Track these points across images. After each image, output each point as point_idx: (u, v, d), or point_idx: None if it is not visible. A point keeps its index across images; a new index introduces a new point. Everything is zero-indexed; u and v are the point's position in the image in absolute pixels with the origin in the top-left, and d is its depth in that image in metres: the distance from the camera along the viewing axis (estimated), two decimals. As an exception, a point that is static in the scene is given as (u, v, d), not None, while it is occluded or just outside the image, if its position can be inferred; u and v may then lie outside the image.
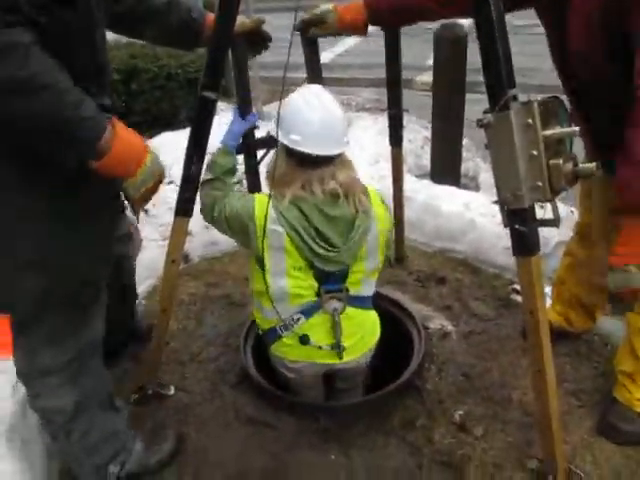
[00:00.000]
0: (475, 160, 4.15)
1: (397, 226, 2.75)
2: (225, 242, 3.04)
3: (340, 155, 1.62)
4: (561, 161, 1.32)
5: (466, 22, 3.28)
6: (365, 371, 1.95)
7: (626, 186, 1.43)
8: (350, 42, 9.18)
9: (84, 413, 1.57)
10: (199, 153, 1.66)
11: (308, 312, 1.70)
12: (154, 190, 1.38)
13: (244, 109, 1.80)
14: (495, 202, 3.10)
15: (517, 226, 1.39)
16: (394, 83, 2.30)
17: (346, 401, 1.94)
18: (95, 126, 1.19)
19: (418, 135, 4.45)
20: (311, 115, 1.56)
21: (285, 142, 1.58)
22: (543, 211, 1.43)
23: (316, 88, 1.67)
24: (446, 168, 3.64)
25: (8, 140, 1.19)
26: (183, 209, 1.73)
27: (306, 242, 1.60)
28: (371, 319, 1.83)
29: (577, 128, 1.33)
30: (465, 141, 3.83)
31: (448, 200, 3.15)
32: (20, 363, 1.52)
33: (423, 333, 2.15)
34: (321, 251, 1.61)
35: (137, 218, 1.59)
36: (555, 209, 1.41)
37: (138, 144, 1.31)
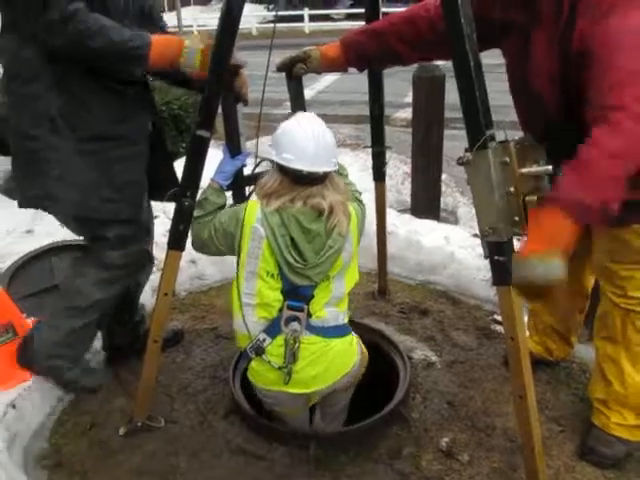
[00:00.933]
0: (454, 195, 4.30)
1: (380, 260, 2.84)
2: (211, 276, 3.10)
3: (330, 176, 1.70)
4: (536, 198, 1.42)
5: (442, 63, 3.46)
6: (347, 395, 1.98)
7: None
8: (330, 79, 9.45)
9: None
10: (193, 188, 1.73)
11: (272, 332, 1.74)
12: (206, 57, 1.68)
13: (233, 149, 1.87)
14: (474, 235, 3.25)
15: (496, 257, 1.47)
16: (377, 121, 2.40)
17: (334, 429, 1.98)
18: (140, 40, 1.70)
19: (398, 171, 4.59)
20: (304, 135, 1.66)
21: (279, 161, 1.66)
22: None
23: (309, 115, 1.77)
24: (426, 203, 3.76)
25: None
26: (176, 243, 1.79)
27: (280, 248, 1.65)
28: (336, 349, 1.80)
29: (551, 167, 1.43)
30: (444, 176, 3.97)
31: (429, 234, 3.26)
32: None
33: (408, 363, 2.21)
34: (291, 260, 1.66)
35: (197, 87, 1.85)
36: (530, 241, 1.50)
37: (171, 38, 1.77)
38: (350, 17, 23.13)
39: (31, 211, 4.12)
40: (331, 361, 1.79)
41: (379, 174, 2.54)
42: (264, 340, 1.75)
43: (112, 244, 2.00)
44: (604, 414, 1.93)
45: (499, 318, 2.66)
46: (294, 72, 2.07)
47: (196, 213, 1.78)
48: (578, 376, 2.24)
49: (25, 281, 2.80)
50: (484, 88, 1.38)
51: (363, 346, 1.94)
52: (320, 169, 1.65)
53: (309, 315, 1.74)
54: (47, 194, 1.87)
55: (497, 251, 1.46)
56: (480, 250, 3.03)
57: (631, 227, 1.68)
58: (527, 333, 2.26)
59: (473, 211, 4.09)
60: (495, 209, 1.42)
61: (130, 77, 1.78)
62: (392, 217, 3.34)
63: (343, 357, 1.83)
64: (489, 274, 2.88)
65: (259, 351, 1.75)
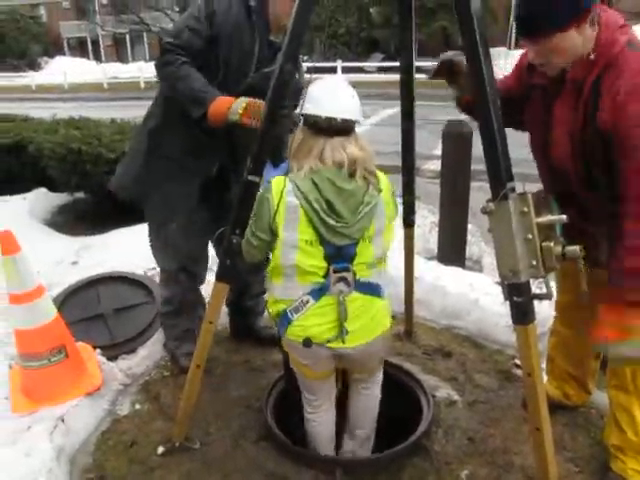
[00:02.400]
0: (479, 244, 4.43)
1: (407, 303, 2.98)
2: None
3: (356, 134, 1.83)
4: (552, 244, 1.57)
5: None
6: (379, 359, 2.06)
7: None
8: (361, 130, 9.77)
9: None
10: (242, 227, 1.92)
11: (316, 294, 1.79)
12: (250, 107, 2.09)
13: (276, 159, 2.18)
14: (498, 283, 3.39)
15: (515, 298, 1.62)
16: (408, 171, 2.58)
17: (360, 457, 2.09)
18: (206, 96, 2.17)
19: (426, 220, 4.76)
20: (324, 87, 1.82)
21: (303, 111, 1.80)
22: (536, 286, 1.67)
23: (335, 77, 1.97)
24: (452, 251, 3.91)
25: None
26: (224, 276, 1.97)
27: (317, 212, 1.73)
28: (377, 306, 1.86)
29: (564, 216, 1.59)
30: (470, 226, 4.13)
31: (454, 280, 3.40)
32: None
33: (431, 399, 2.32)
34: (330, 221, 1.73)
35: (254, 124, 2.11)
36: (548, 285, 1.65)
37: (223, 99, 2.15)
38: (381, 70, 23.96)
39: (76, 245, 4.46)
40: (372, 317, 1.85)
41: (408, 221, 2.72)
42: (307, 302, 1.80)
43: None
44: (621, 460, 2.00)
45: (520, 362, 2.76)
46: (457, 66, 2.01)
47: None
48: (596, 421, 2.31)
49: (73, 308, 3.02)
50: (506, 147, 1.56)
51: None
52: (338, 115, 1.75)
53: (354, 274, 1.79)
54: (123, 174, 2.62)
55: (516, 292, 1.60)
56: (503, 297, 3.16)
57: None
58: (545, 378, 2.37)
59: (497, 260, 4.18)
60: (515, 254, 1.57)
61: (195, 119, 2.22)
62: (419, 263, 3.48)
63: (381, 316, 1.89)
64: (510, 320, 3.00)
65: (299, 310, 1.81)
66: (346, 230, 1.77)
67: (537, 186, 1.79)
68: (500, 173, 1.56)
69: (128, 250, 3.93)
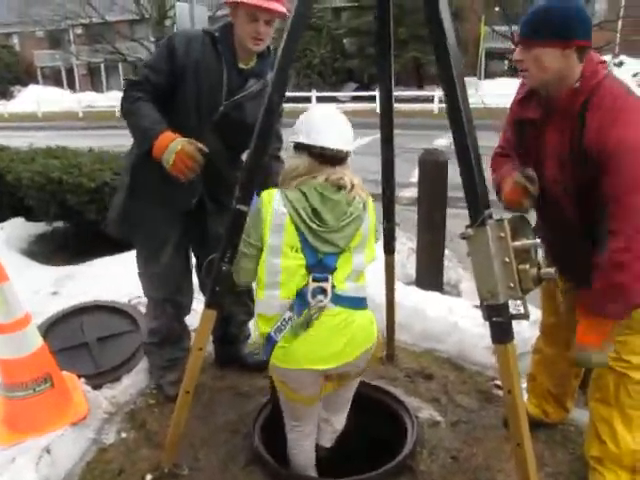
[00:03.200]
0: (456, 269, 4.54)
1: (389, 328, 3.05)
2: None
3: (347, 162, 1.95)
4: (528, 266, 1.67)
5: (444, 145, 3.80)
6: (355, 385, 2.13)
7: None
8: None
9: None
10: (231, 254, 1.97)
11: (298, 309, 1.82)
12: (180, 161, 2.14)
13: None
14: (476, 306, 3.52)
15: (494, 319, 1.71)
16: (388, 199, 2.68)
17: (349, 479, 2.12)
18: (150, 133, 2.20)
19: (404, 246, 4.85)
20: (328, 118, 1.91)
21: (308, 141, 1.87)
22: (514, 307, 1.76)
23: (329, 106, 2.04)
24: (430, 276, 4.01)
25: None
26: (214, 302, 2.02)
27: (302, 218, 1.81)
28: (358, 322, 1.87)
29: (538, 240, 1.70)
30: (447, 252, 4.24)
31: (433, 305, 3.49)
32: None
33: (415, 420, 2.38)
34: (314, 226, 1.82)
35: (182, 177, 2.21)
36: (525, 305, 1.74)
37: (164, 138, 2.17)
38: (355, 99, 24.43)
39: (56, 274, 4.43)
40: (354, 333, 1.85)
41: (389, 248, 2.81)
42: (289, 319, 1.83)
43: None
44: (599, 472, 2.07)
45: (500, 383, 2.84)
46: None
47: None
48: (575, 437, 2.40)
49: (57, 337, 3.01)
50: (482, 175, 1.66)
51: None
52: (344, 147, 1.89)
53: (332, 287, 1.83)
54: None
55: (495, 313, 1.69)
56: (482, 320, 3.27)
57: None
58: (525, 396, 2.46)
59: (475, 284, 4.34)
60: (493, 276, 1.66)
61: (141, 150, 2.34)
62: (399, 288, 3.56)
63: (365, 331, 1.90)
64: (490, 342, 3.09)
65: (282, 329, 1.83)
66: (330, 236, 1.84)
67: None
68: (478, 201, 1.66)
69: (109, 280, 3.94)
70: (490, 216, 1.67)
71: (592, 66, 1.80)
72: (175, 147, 2.13)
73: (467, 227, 1.72)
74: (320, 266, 1.85)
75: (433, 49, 1.64)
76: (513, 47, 1.97)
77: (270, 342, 1.88)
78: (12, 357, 2.36)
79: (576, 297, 2.05)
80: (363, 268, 1.96)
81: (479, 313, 3.50)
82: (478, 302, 3.73)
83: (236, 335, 3.00)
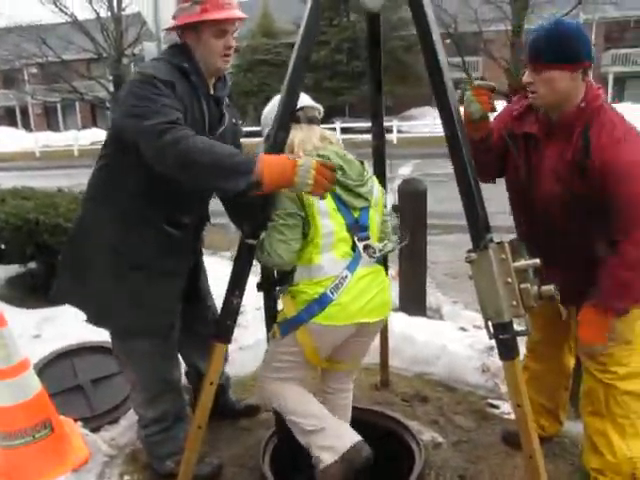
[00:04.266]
0: (436, 295, 4.67)
1: (382, 354, 3.11)
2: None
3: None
4: (529, 285, 1.78)
5: (407, 174, 3.94)
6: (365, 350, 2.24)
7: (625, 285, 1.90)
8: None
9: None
10: (240, 288, 2.02)
11: (352, 267, 1.93)
12: (320, 175, 1.75)
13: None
14: (461, 329, 3.63)
15: (501, 336, 1.80)
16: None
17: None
18: (247, 162, 1.76)
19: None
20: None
21: (300, 105, 2.02)
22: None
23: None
24: (414, 302, 4.11)
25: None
26: (223, 335, 2.05)
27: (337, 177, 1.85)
28: (385, 280, 2.09)
29: (537, 260, 1.81)
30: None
31: (421, 329, 3.59)
32: None
33: (421, 444, 2.43)
34: (348, 181, 1.94)
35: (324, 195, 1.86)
36: (527, 322, 1.85)
37: (279, 161, 1.78)
38: (344, 131, 24.75)
39: (37, 316, 4.36)
40: (384, 291, 2.03)
41: (381, 273, 2.89)
42: (346, 277, 1.91)
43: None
44: None
45: (493, 402, 2.94)
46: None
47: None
48: (571, 449, 2.50)
49: (49, 381, 2.93)
50: (483, 203, 1.78)
51: None
52: (317, 104, 2.12)
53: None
54: (82, 300, 2.23)
55: (501, 331, 1.79)
56: (469, 341, 3.39)
57: None
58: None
59: (457, 308, 4.46)
60: (498, 296, 1.77)
61: (234, 192, 1.78)
62: (387, 314, 3.66)
63: (388, 292, 2.08)
64: (479, 363, 3.21)
65: (339, 287, 1.90)
66: (359, 190, 1.98)
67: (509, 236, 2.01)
68: (480, 226, 1.77)
69: (92, 319, 3.89)
70: (492, 240, 1.79)
71: (594, 89, 1.97)
72: (310, 164, 1.76)
73: (469, 251, 1.83)
74: (357, 225, 1.97)
75: (431, 86, 1.78)
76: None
77: (323, 302, 1.91)
78: (12, 404, 2.32)
79: (558, 310, 2.19)
80: (380, 225, 2.10)
81: (465, 335, 3.65)
82: (462, 325, 3.87)
83: (220, 384, 2.67)
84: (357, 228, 1.97)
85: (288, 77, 1.90)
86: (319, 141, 2.03)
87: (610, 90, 28.96)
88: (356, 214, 1.99)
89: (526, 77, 2.01)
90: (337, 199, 1.94)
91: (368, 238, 1.99)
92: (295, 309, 1.97)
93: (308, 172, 1.75)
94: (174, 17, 2.13)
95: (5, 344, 2.28)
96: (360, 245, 1.96)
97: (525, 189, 2.13)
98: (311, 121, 2.08)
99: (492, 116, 2.16)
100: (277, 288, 2.13)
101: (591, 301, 1.98)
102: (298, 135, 2.01)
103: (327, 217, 1.93)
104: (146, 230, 2.10)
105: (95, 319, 2.25)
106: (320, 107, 2.14)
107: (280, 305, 2.13)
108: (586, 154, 1.91)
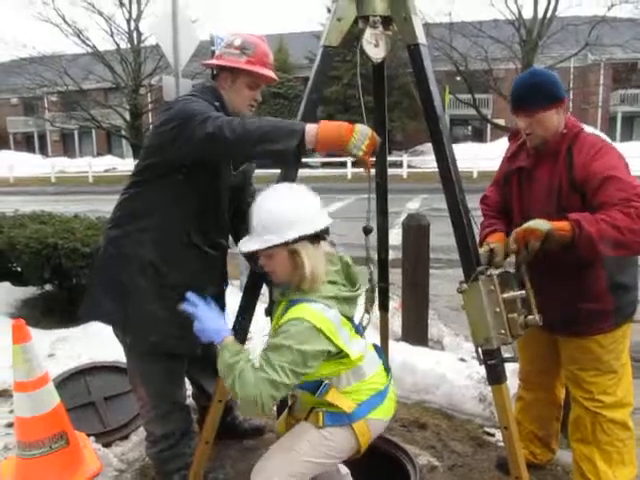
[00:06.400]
0: (438, 326, 4.78)
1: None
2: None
3: None
4: (516, 315, 1.93)
5: (415, 208, 4.10)
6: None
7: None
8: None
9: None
10: (250, 313, 2.16)
11: (372, 364, 1.96)
12: (371, 146, 1.88)
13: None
14: (461, 360, 3.77)
15: (489, 362, 1.94)
16: (383, 261, 2.92)
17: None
18: (292, 122, 1.93)
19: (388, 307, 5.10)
20: (304, 198, 1.83)
21: (313, 229, 1.77)
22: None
23: (290, 185, 1.92)
24: (416, 332, 4.23)
25: None
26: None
27: (340, 293, 1.81)
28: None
29: (524, 291, 1.97)
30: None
31: (421, 359, 3.70)
32: None
33: (417, 466, 2.54)
34: (349, 294, 1.84)
35: (368, 170, 1.97)
36: (514, 349, 1.99)
37: (342, 124, 1.90)
38: (325, 165, 25.21)
39: (52, 337, 4.52)
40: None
41: (384, 305, 3.03)
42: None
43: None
44: None
45: (490, 430, 3.04)
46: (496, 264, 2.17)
47: (231, 379, 1.73)
48: (563, 477, 2.60)
49: (64, 397, 3.08)
50: (474, 239, 1.95)
51: None
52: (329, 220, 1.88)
53: None
54: (120, 319, 2.27)
55: (490, 357, 1.93)
56: (468, 371, 3.51)
57: (592, 337, 2.18)
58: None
59: (457, 340, 4.58)
60: (487, 325, 1.91)
61: (287, 154, 1.89)
62: (389, 344, 3.79)
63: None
64: (477, 392, 3.32)
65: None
66: (355, 296, 1.90)
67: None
68: (471, 260, 1.93)
69: (105, 341, 4.03)
70: (482, 272, 1.94)
71: (571, 119, 2.25)
72: (367, 132, 1.88)
73: (461, 283, 1.98)
74: (359, 331, 1.97)
75: (427, 125, 1.97)
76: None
77: (382, 396, 1.94)
78: (32, 415, 2.46)
79: (547, 340, 2.31)
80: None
81: (465, 366, 3.76)
82: (462, 355, 3.99)
83: (229, 405, 2.86)
84: (358, 330, 1.97)
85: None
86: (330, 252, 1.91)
87: (618, 129, 29.40)
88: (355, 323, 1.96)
89: (521, 123, 2.21)
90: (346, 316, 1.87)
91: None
92: (354, 403, 1.88)
93: (364, 138, 1.87)
94: (216, 56, 2.30)
95: (29, 358, 2.44)
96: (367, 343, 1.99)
97: (524, 211, 2.28)
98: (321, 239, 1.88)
99: None
100: None
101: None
102: (317, 262, 1.81)
103: (352, 344, 1.85)
104: (186, 251, 2.22)
105: (131, 336, 2.31)
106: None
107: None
108: (570, 169, 2.12)
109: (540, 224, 2.01)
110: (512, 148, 2.44)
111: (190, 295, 1.89)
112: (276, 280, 1.90)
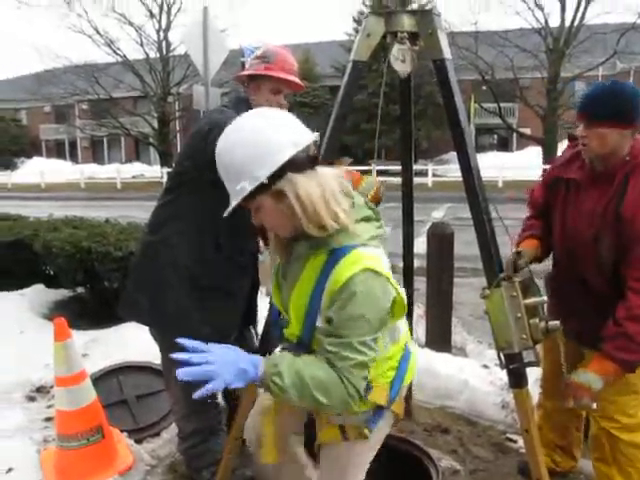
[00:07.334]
0: (462, 334, 4.82)
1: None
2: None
3: None
4: (537, 320, 1.99)
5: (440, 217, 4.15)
6: None
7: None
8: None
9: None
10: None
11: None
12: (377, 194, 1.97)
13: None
14: (484, 366, 3.81)
15: (511, 366, 2.00)
16: (408, 268, 3.00)
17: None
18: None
19: (413, 313, 5.16)
20: (284, 114, 1.50)
21: (285, 160, 1.37)
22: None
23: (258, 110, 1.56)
24: (440, 339, 4.28)
25: None
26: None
27: (379, 231, 1.58)
28: None
29: (545, 297, 2.02)
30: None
31: (444, 365, 3.75)
32: None
33: (440, 469, 2.59)
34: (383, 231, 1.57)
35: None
36: (536, 354, 2.04)
37: (355, 174, 1.97)
38: (351, 174, 25.22)
39: (85, 338, 4.67)
40: None
41: (408, 311, 3.09)
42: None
43: None
44: None
45: (512, 437, 3.08)
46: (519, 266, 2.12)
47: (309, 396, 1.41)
48: (585, 486, 2.62)
49: (98, 394, 3.21)
50: (496, 244, 2.01)
51: None
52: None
53: None
54: (156, 319, 2.38)
55: (511, 361, 1.99)
56: (491, 378, 3.55)
57: None
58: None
59: (480, 347, 4.60)
60: (509, 329, 1.97)
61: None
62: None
63: None
64: (499, 399, 3.35)
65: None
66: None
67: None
68: (494, 267, 2.00)
69: (136, 343, 4.16)
70: (504, 279, 2.01)
71: (638, 147, 2.08)
72: (373, 181, 2.02)
73: (484, 288, 2.05)
74: None
75: (451, 133, 2.04)
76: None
77: (407, 357, 1.73)
78: (71, 409, 2.59)
79: (573, 350, 2.31)
80: None
81: (487, 372, 3.80)
82: (485, 362, 4.02)
83: None
84: None
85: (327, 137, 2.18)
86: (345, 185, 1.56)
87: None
88: None
89: (580, 130, 2.10)
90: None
91: None
92: (388, 384, 1.65)
93: (372, 185, 1.98)
94: (246, 69, 2.47)
95: (69, 355, 2.58)
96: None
97: (563, 225, 2.25)
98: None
99: None
100: None
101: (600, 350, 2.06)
102: (324, 181, 1.45)
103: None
104: (217, 255, 2.33)
105: (169, 334, 2.25)
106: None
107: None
108: (621, 201, 2.02)
109: (592, 381, 2.04)
110: (568, 153, 2.33)
111: (188, 342, 1.58)
112: (283, 234, 1.56)
